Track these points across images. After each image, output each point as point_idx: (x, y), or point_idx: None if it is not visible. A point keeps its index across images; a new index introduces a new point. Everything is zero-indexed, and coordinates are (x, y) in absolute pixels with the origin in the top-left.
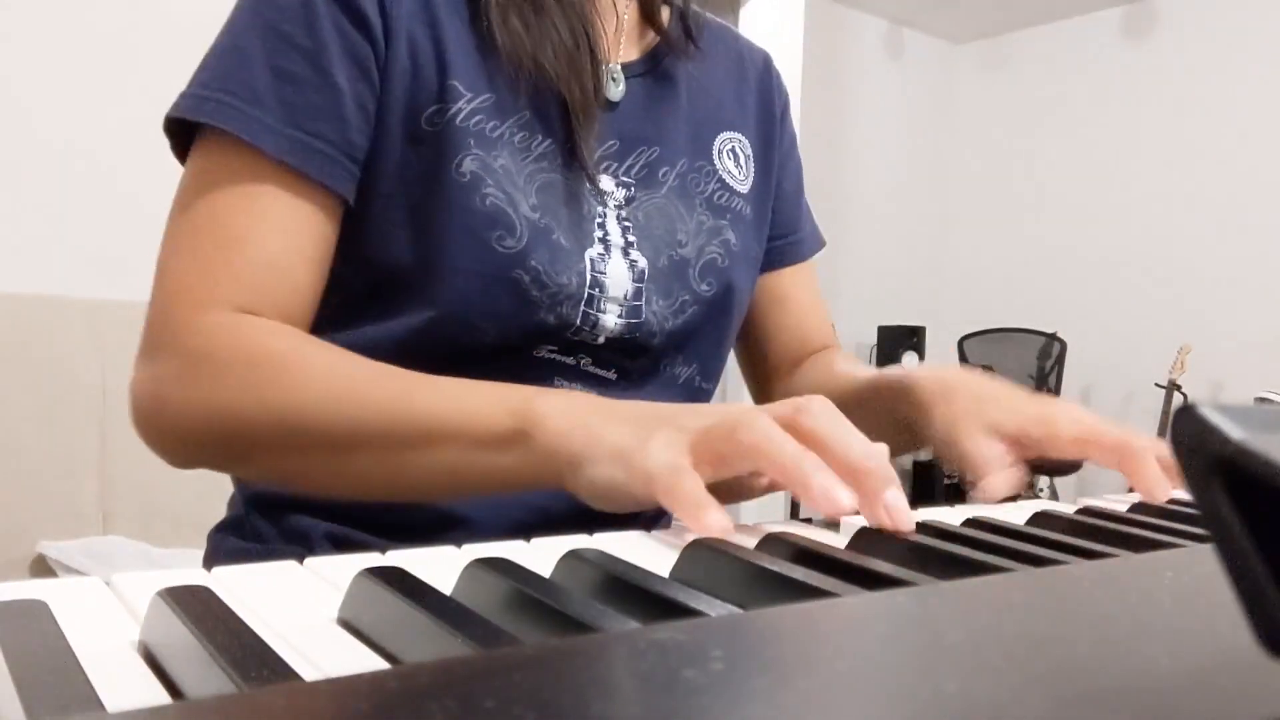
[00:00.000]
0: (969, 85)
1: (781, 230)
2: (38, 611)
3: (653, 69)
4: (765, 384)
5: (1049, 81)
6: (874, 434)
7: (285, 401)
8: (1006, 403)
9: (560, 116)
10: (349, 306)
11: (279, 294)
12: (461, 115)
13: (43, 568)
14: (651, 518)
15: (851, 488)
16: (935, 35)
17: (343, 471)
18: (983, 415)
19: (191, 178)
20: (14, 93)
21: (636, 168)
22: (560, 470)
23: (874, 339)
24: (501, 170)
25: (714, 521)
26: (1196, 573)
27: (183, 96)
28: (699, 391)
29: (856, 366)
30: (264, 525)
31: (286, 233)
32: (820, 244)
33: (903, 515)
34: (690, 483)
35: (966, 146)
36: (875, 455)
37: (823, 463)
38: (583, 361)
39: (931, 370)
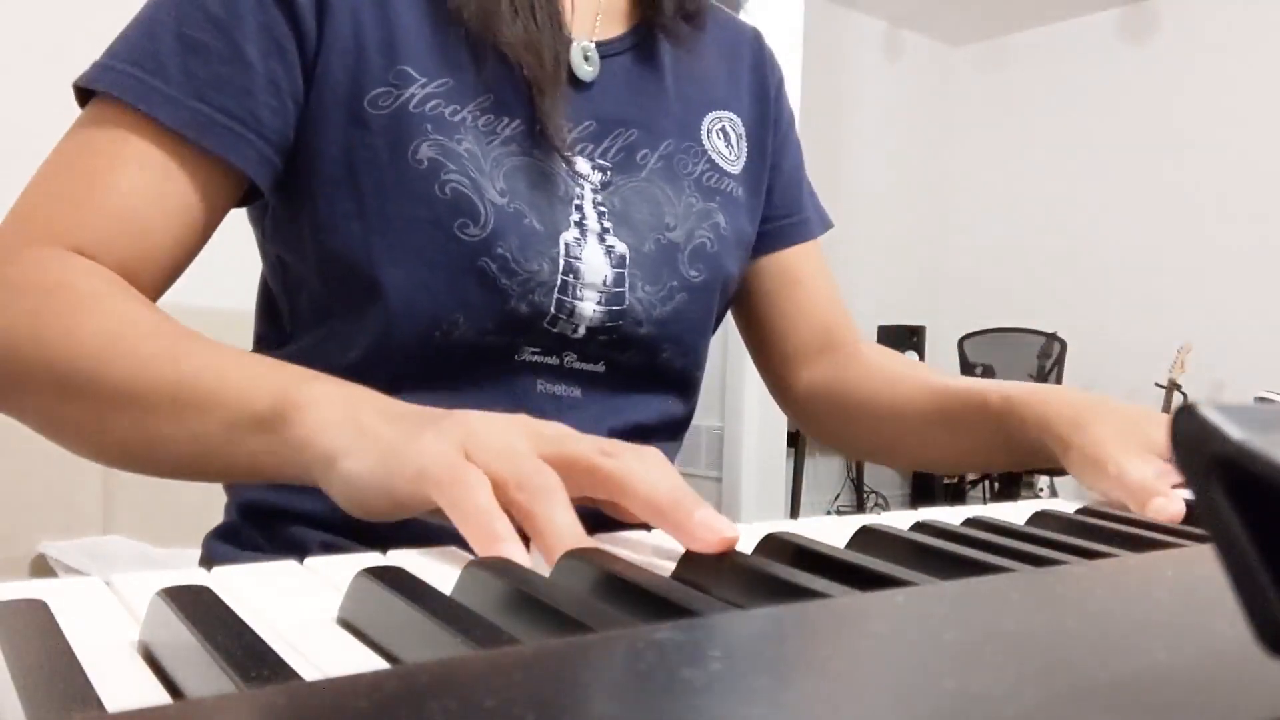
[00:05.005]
0: (968, 86)
1: (784, 210)
2: (38, 611)
3: (635, 47)
4: (784, 372)
5: (1047, 83)
6: (967, 449)
7: (60, 342)
8: (1159, 423)
9: (527, 97)
10: (316, 304)
11: (122, 244)
12: (415, 100)
13: (43, 568)
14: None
15: (663, 526)
16: (934, 37)
17: (104, 430)
18: (1140, 434)
19: (76, 128)
20: (11, 91)
21: (614, 151)
22: (310, 465)
23: (874, 339)
24: (466, 154)
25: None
26: (1196, 573)
27: (92, 66)
28: (690, 381)
29: (919, 370)
30: (257, 535)
31: (154, 190)
32: (826, 225)
33: (721, 524)
34: (483, 497)
35: (965, 147)
36: (681, 488)
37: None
38: (567, 359)
39: (1038, 389)
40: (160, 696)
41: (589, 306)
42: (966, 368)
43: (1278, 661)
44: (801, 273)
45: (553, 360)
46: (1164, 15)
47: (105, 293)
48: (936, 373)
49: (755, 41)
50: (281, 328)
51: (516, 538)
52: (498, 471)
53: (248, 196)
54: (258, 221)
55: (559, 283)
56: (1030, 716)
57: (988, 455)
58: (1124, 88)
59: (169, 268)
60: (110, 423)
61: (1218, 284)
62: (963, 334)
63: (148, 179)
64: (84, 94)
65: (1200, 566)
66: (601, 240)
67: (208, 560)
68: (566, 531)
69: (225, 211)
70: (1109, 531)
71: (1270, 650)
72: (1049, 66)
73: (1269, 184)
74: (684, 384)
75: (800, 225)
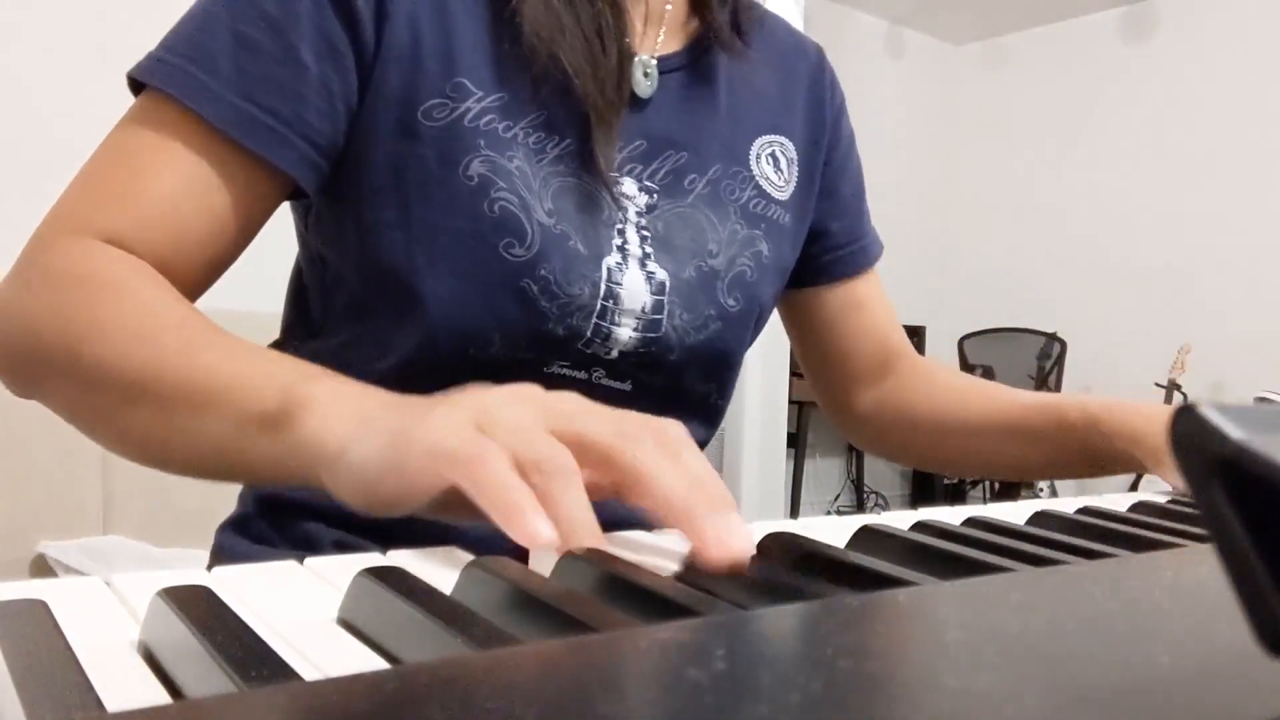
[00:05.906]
0: (969, 86)
1: (848, 237)
2: (38, 611)
3: (691, 63)
4: (845, 394)
5: (1049, 82)
6: (1043, 459)
7: (83, 332)
8: None
9: (580, 117)
10: (353, 305)
11: (159, 237)
12: (470, 115)
13: (43, 568)
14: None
15: (669, 521)
16: (936, 36)
17: (123, 422)
18: None
19: (125, 120)
20: (20, 88)
21: (662, 173)
22: (317, 462)
23: None
24: (517, 172)
25: (540, 532)
26: (1196, 573)
27: (145, 58)
28: (714, 409)
29: (987, 386)
30: (270, 529)
31: (197, 186)
32: (881, 247)
33: (734, 539)
34: (503, 469)
35: (966, 147)
36: (699, 485)
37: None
38: (595, 375)
39: (1113, 403)
40: (160, 696)
41: (625, 332)
42: (966, 368)
43: (1278, 661)
44: (864, 297)
45: (581, 375)
46: (1164, 15)
47: (131, 283)
48: (1003, 388)
49: (817, 62)
50: (311, 321)
51: (540, 510)
52: (513, 451)
53: (295, 194)
54: (302, 215)
55: (598, 307)
56: (1030, 716)
57: (1065, 465)
58: (1124, 88)
59: (208, 264)
60: (129, 415)
61: (1218, 284)
62: (963, 334)
63: (190, 174)
64: (136, 85)
65: (1200, 566)
66: (643, 266)
67: (218, 552)
68: (580, 521)
69: (270, 211)
70: (1109, 531)
71: (1270, 650)
72: (1050, 66)
73: (1269, 184)
74: (708, 411)
75: (863, 251)
